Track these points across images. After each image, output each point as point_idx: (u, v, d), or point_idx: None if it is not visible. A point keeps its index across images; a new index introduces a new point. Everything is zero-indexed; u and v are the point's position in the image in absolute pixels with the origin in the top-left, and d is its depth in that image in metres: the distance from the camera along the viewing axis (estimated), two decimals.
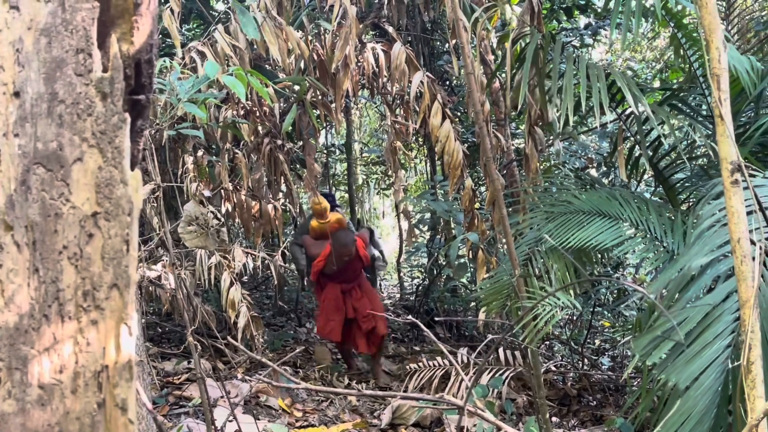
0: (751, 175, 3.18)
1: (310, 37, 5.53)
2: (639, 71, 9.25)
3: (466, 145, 6.44)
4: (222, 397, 4.93)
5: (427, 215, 8.30)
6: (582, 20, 7.94)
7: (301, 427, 4.97)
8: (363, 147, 13.13)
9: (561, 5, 7.30)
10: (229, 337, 3.56)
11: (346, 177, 11.92)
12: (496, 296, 4.49)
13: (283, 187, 6.89)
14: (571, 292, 4.32)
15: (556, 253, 4.32)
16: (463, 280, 8.12)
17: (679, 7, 4.72)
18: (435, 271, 8.78)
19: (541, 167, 5.67)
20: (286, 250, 7.17)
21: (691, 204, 5.02)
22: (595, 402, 5.77)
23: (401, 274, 11.71)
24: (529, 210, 4.86)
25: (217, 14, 6.80)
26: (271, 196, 6.39)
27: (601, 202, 4.41)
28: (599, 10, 7.31)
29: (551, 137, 5.94)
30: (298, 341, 7.79)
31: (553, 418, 5.29)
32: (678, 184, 4.95)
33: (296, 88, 5.88)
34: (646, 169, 5.33)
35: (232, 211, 6.04)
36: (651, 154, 4.93)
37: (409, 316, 2.88)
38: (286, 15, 5.27)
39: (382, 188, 12.84)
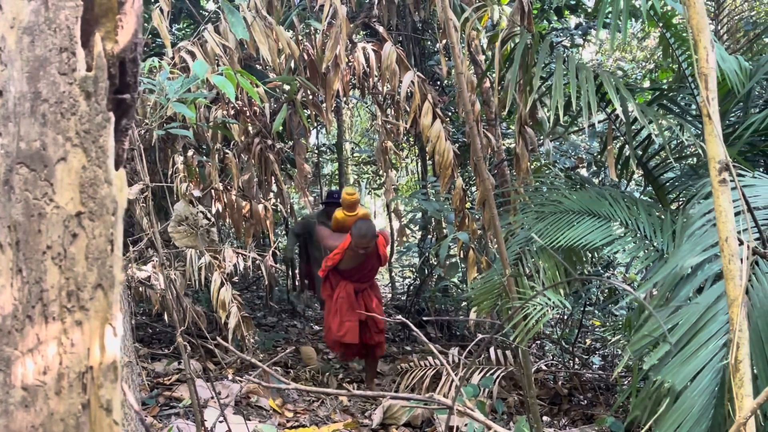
0: (739, 175, 3.19)
1: (300, 37, 5.52)
2: (629, 71, 9.27)
3: (456, 144, 6.44)
4: (212, 397, 4.92)
5: (419, 215, 8.30)
6: (573, 20, 7.95)
7: (292, 427, 4.96)
8: (354, 147, 13.11)
9: (551, 5, 7.31)
10: (219, 338, 3.56)
11: (337, 177, 11.92)
12: (487, 296, 4.49)
13: (274, 187, 6.87)
14: (562, 291, 4.33)
15: (546, 253, 4.32)
16: (454, 279, 8.11)
17: (668, 7, 4.73)
18: (426, 271, 8.77)
19: (532, 167, 5.67)
20: (277, 251, 7.16)
21: (680, 203, 5.04)
22: (585, 401, 5.77)
23: (392, 273, 11.70)
24: (520, 210, 4.86)
25: (207, 14, 6.78)
26: (261, 196, 6.38)
27: (591, 201, 4.42)
28: (589, 10, 7.32)
29: (541, 137, 5.95)
30: (289, 341, 7.77)
31: (544, 417, 5.30)
32: (668, 184, 4.96)
33: (286, 87, 5.87)
34: (635, 169, 5.34)
35: (222, 212, 6.02)
36: (641, 153, 4.94)
37: (400, 317, 2.87)
38: (276, 14, 5.26)
39: (374, 188, 12.84)
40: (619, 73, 8.84)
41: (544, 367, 6.30)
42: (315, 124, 8.52)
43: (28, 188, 0.98)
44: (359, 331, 5.98)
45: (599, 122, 6.80)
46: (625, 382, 5.88)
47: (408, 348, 7.83)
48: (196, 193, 5.29)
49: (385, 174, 6.89)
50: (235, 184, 5.88)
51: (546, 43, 4.47)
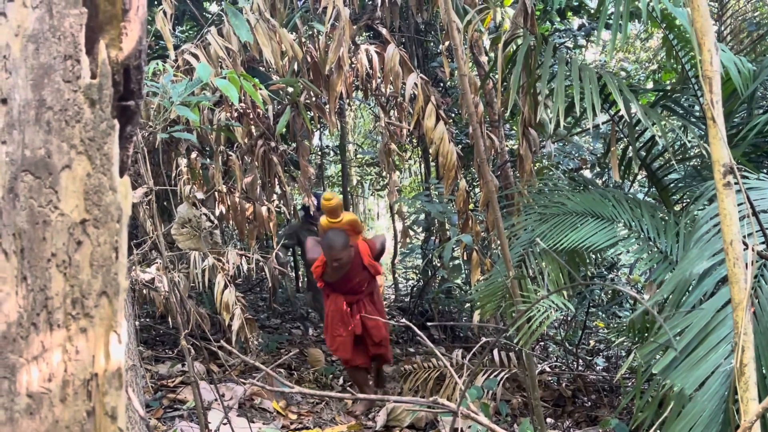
0: (743, 177, 3.19)
1: (303, 39, 5.52)
2: (632, 72, 9.27)
3: (460, 146, 6.44)
4: (216, 400, 4.92)
5: (422, 216, 8.29)
6: (575, 21, 7.95)
7: (296, 429, 4.96)
8: (357, 148, 13.12)
9: (554, 7, 7.31)
10: (223, 340, 3.56)
11: (340, 178, 11.92)
12: (491, 298, 4.49)
13: (277, 189, 6.87)
14: (565, 293, 4.33)
15: (549, 255, 4.32)
16: (458, 281, 8.11)
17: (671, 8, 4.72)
18: (429, 273, 8.78)
19: (535, 168, 5.67)
20: (280, 252, 7.16)
21: (684, 205, 5.04)
22: (589, 403, 5.77)
23: (396, 275, 11.71)
24: (523, 211, 4.86)
25: (210, 16, 6.79)
26: (265, 198, 6.38)
27: (595, 203, 4.42)
28: (592, 11, 7.32)
29: (544, 138, 5.95)
30: (292, 343, 7.78)
31: (548, 419, 5.29)
32: (671, 185, 4.96)
33: (290, 90, 5.87)
34: (639, 170, 5.34)
35: (225, 214, 6.03)
36: (644, 155, 4.94)
37: (403, 319, 2.87)
38: (279, 17, 5.26)
39: (377, 189, 12.87)
40: (623, 74, 8.83)
41: (548, 369, 6.29)
42: (318, 126, 8.52)
43: (33, 196, 0.98)
44: (357, 344, 5.78)
45: (602, 123, 6.81)
46: (629, 384, 5.87)
47: (411, 350, 7.83)
48: (200, 195, 5.31)
49: (388, 175, 6.89)
50: (239, 186, 5.89)
51: (549, 44, 4.47)
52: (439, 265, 8.54)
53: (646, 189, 6.40)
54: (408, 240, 8.31)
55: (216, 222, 4.74)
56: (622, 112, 4.06)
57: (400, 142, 7.78)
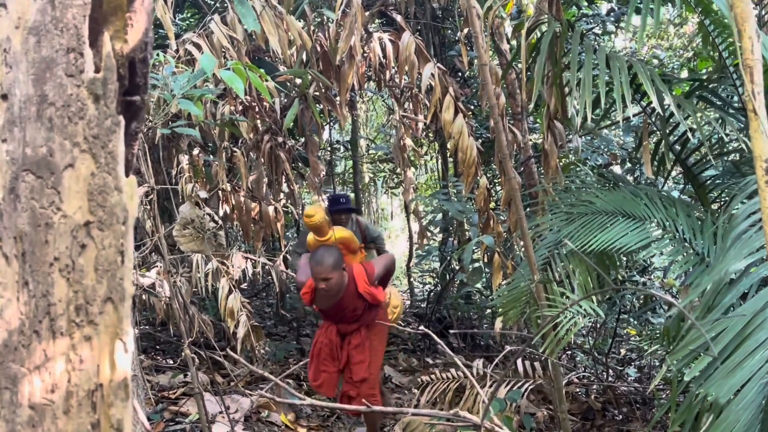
0: None
1: (312, 27, 5.54)
2: (665, 60, 9.23)
3: (480, 141, 6.45)
4: (221, 412, 4.94)
5: (439, 216, 8.29)
6: (604, 6, 7.93)
7: None
8: (369, 143, 13.13)
9: None
10: (228, 349, 3.58)
11: (351, 176, 11.93)
12: (514, 303, 4.48)
13: (285, 188, 6.90)
14: (594, 298, 4.32)
15: (577, 257, 4.31)
16: (478, 285, 8.10)
17: None
18: (448, 277, 8.77)
19: (561, 164, 5.66)
20: (288, 255, 7.18)
21: (722, 203, 5.01)
22: (620, 416, 5.75)
23: (411, 279, 11.71)
24: (549, 210, 4.85)
25: (212, 2, 6.82)
26: (271, 197, 6.40)
27: (626, 201, 4.40)
28: None
29: (570, 132, 5.94)
30: (302, 353, 7.79)
31: None
32: (708, 182, 4.93)
33: (298, 81, 5.90)
34: (673, 166, 5.32)
35: (230, 214, 6.06)
36: (678, 149, 4.92)
37: (421, 327, 2.87)
38: (286, 4, 5.28)
39: (391, 187, 12.87)
40: (655, 62, 8.80)
41: (575, 380, 6.28)
42: (328, 120, 8.54)
43: (35, 196, 1.00)
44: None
45: (634, 116, 6.78)
46: (663, 396, 5.85)
47: (429, 360, 7.84)
48: (203, 194, 5.33)
49: (403, 172, 6.90)
50: (244, 185, 5.92)
51: (576, 31, 4.46)
52: (458, 268, 8.54)
53: (681, 186, 6.37)
54: (425, 241, 8.31)
55: (220, 223, 4.77)
56: (654, 104, 4.05)
57: (416, 137, 7.80)
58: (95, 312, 1.01)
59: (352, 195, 11.91)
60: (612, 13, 7.53)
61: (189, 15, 8.49)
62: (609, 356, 6.71)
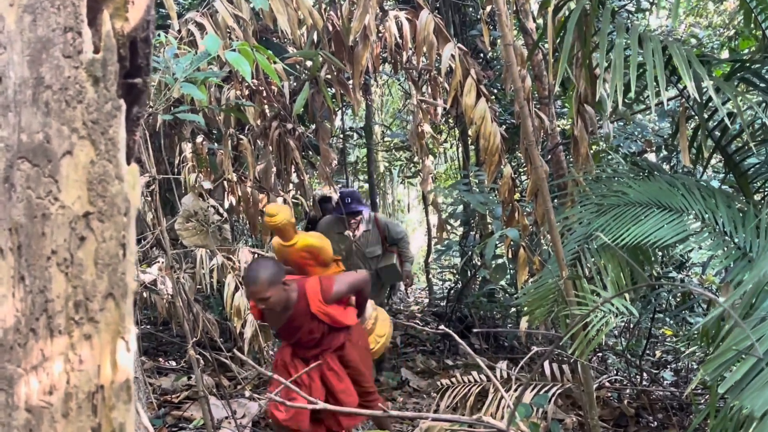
0: None
1: (323, 6, 5.53)
2: (704, 39, 9.16)
3: (504, 127, 6.42)
4: (227, 417, 4.97)
5: (460, 208, 8.28)
6: None
7: None
8: (385, 130, 13.13)
9: None
10: (234, 350, 3.59)
11: (365, 165, 11.93)
12: (541, 302, 4.47)
13: (294, 178, 6.90)
14: (628, 295, 4.31)
15: (609, 252, 4.30)
16: (502, 283, 8.09)
17: None
18: (469, 273, 8.77)
19: (591, 152, 5.63)
20: None
21: (766, 194, 4.98)
22: (656, 423, 5.74)
23: (430, 276, 11.71)
24: (578, 202, 4.84)
25: None
26: (280, 187, 6.41)
27: (661, 192, 4.38)
28: None
29: (601, 117, 5.91)
30: None
31: None
32: (751, 171, 4.90)
33: (308, 64, 5.89)
34: (713, 153, 5.28)
35: (236, 206, 6.07)
36: (718, 135, 4.89)
37: (442, 327, 2.85)
38: None
39: (407, 177, 12.86)
40: (693, 41, 8.74)
41: (607, 384, 6.26)
42: (340, 105, 8.54)
43: (31, 186, 1.00)
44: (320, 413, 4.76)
45: (669, 100, 6.74)
46: (702, 401, 5.83)
47: (449, 362, 7.84)
48: (207, 185, 5.35)
49: (420, 161, 6.89)
50: (251, 175, 5.93)
51: (606, 8, 4.43)
52: (479, 264, 8.53)
53: (722, 175, 6.33)
54: (444, 236, 8.30)
55: (225, 215, 4.78)
56: (690, 88, 4.02)
57: (435, 123, 7.78)
58: (95, 309, 1.02)
59: (366, 186, 11.91)
60: None
61: None
62: (643, 358, 6.68)
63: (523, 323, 5.06)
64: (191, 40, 5.06)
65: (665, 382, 6.61)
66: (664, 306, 7.08)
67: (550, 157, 6.05)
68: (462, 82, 5.43)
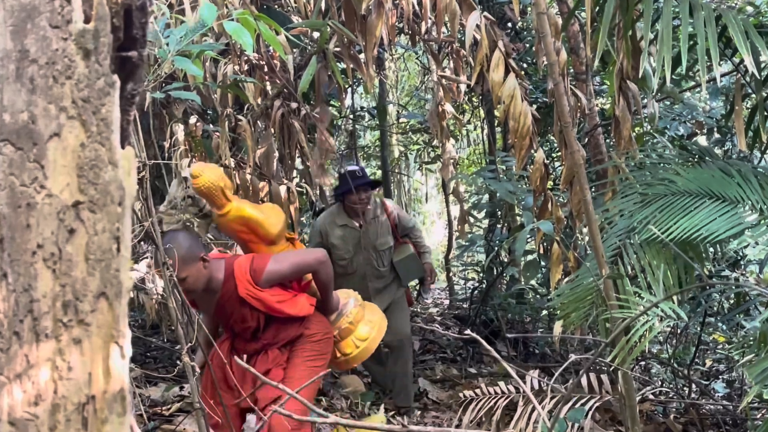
0: None
1: None
2: (763, 7, 9.11)
3: (535, 106, 6.40)
4: None
5: (485, 198, 8.27)
6: None
7: None
8: (400, 110, 13.11)
9: None
10: (236, 357, 3.60)
11: (378, 149, 11.93)
12: (577, 304, 4.47)
13: (299, 163, 6.90)
14: (675, 297, 4.30)
15: (654, 247, 4.29)
16: (533, 282, 8.09)
17: None
18: (495, 271, 8.76)
19: (634, 134, 5.61)
20: (304, 244, 7.15)
21: None
22: None
23: (450, 274, 11.71)
24: (620, 191, 4.83)
25: None
26: (283, 174, 6.41)
27: (713, 180, 4.37)
28: None
29: (646, 96, 5.89)
30: None
31: None
32: None
33: (316, 35, 5.89)
34: None
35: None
36: None
37: (468, 331, 2.84)
38: None
39: (425, 163, 12.84)
40: (750, 9, 8.69)
41: (651, 396, 6.26)
42: (351, 82, 8.54)
43: (14, 172, 1.01)
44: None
45: (723, 76, 6.71)
46: (758, 416, 5.82)
47: (472, 370, 7.85)
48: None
49: (441, 145, 6.88)
50: (250, 160, 5.93)
51: None
52: (507, 261, 8.53)
53: None
54: (467, 229, 8.29)
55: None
56: (748, 62, 4.00)
57: (457, 102, 7.77)
58: (86, 310, 1.02)
59: (379, 172, 11.89)
60: None
61: None
62: (692, 368, 6.67)
63: (557, 328, 5.06)
64: (182, 9, 5.06)
65: (717, 394, 6.60)
66: (715, 309, 7.05)
67: (587, 140, 6.03)
68: (488, 55, 5.41)
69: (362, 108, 11.69)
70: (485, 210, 8.72)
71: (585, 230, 4.76)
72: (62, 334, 1.02)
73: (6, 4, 1.02)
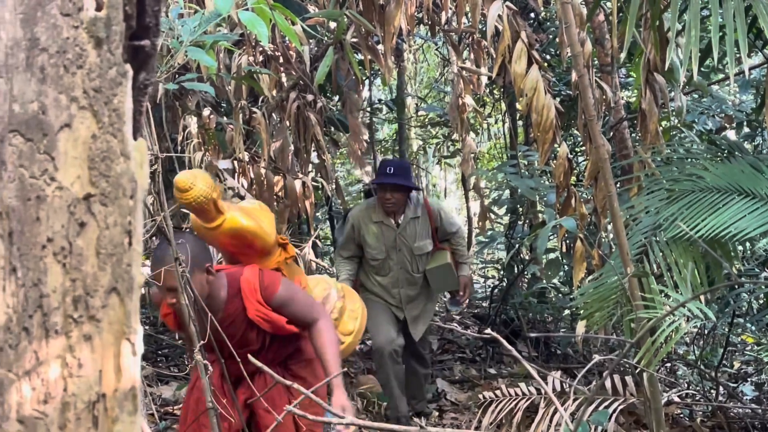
0: None
1: None
2: None
3: (559, 99, 6.38)
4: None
5: (506, 194, 8.26)
6: None
7: None
8: (419, 103, 13.09)
9: None
10: (249, 355, 3.59)
11: (395, 143, 11.92)
12: (601, 303, 4.45)
13: (315, 157, 6.91)
14: (703, 297, 4.28)
15: (681, 245, 4.27)
16: (555, 281, 8.07)
17: None
18: (516, 269, 8.74)
19: (661, 128, 5.58)
20: (318, 241, 7.14)
21: None
22: None
23: (471, 272, 11.68)
24: (646, 187, 4.81)
25: None
26: (298, 168, 6.42)
27: (743, 176, 4.35)
28: None
29: (673, 88, 5.86)
30: None
31: None
32: None
33: (332, 25, 5.88)
34: None
35: (248, 189, 6.08)
36: None
37: (488, 330, 2.83)
38: None
39: (444, 157, 12.81)
40: None
41: (676, 399, 6.24)
42: (369, 74, 8.53)
43: (24, 163, 1.01)
44: None
45: (753, 68, 6.67)
46: None
47: (491, 371, 7.84)
48: (223, 164, 5.37)
49: (460, 139, 6.87)
50: (265, 154, 5.94)
51: None
52: (529, 259, 8.51)
53: None
54: (487, 225, 8.28)
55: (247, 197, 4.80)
56: None
57: (478, 94, 7.76)
58: (97, 305, 1.02)
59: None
60: None
61: None
62: (719, 370, 6.64)
63: (580, 327, 5.04)
64: None
65: (745, 397, 6.57)
66: (744, 309, 7.02)
67: (612, 134, 6.01)
68: (511, 46, 5.39)
69: (379, 100, 11.69)
70: (506, 206, 8.71)
71: (609, 227, 4.75)
72: (72, 330, 1.02)
73: None
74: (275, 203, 6.17)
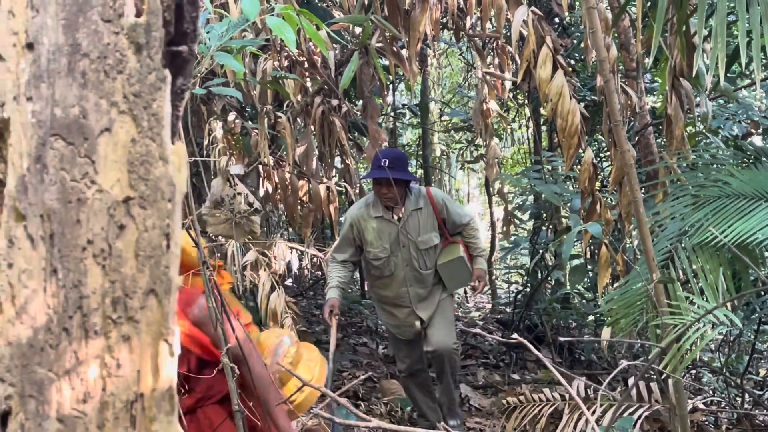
0: None
1: None
2: None
3: (584, 104, 6.37)
4: None
5: (530, 199, 8.25)
6: None
7: None
8: (443, 108, 13.10)
9: None
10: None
11: (420, 147, 11.92)
12: (627, 309, 4.45)
13: (339, 162, 6.93)
14: (729, 304, 4.26)
15: (707, 251, 4.26)
16: (579, 287, 8.05)
17: None
18: (540, 275, 8.73)
19: (687, 134, 5.57)
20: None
21: None
22: None
23: (494, 278, 11.67)
24: (671, 193, 4.80)
25: None
26: (323, 173, 6.44)
27: None
28: None
29: (699, 94, 5.85)
30: (357, 365, 7.85)
31: None
32: None
33: (357, 30, 5.90)
34: None
35: (272, 194, 6.11)
36: None
37: (515, 335, 2.82)
38: None
39: (468, 162, 12.83)
40: None
41: (701, 406, 6.21)
42: (393, 79, 8.55)
43: (65, 167, 1.03)
44: None
45: None
46: None
47: (515, 376, 7.82)
48: (236, 169, 5.39)
49: (484, 144, 6.88)
50: (289, 158, 5.96)
51: None
52: (553, 264, 8.49)
53: None
54: (511, 231, 8.27)
55: (255, 205, 4.82)
56: None
57: (502, 99, 7.76)
58: (135, 306, 1.04)
59: (420, 171, 11.90)
60: None
61: None
62: (745, 377, 6.61)
63: (605, 333, 5.03)
64: (223, 3, 5.10)
65: None
66: None
67: (637, 139, 5.99)
68: (536, 51, 5.39)
69: (403, 105, 11.70)
70: (530, 211, 8.69)
71: (635, 233, 4.74)
72: (111, 331, 1.03)
73: None
74: (299, 208, 6.19)
